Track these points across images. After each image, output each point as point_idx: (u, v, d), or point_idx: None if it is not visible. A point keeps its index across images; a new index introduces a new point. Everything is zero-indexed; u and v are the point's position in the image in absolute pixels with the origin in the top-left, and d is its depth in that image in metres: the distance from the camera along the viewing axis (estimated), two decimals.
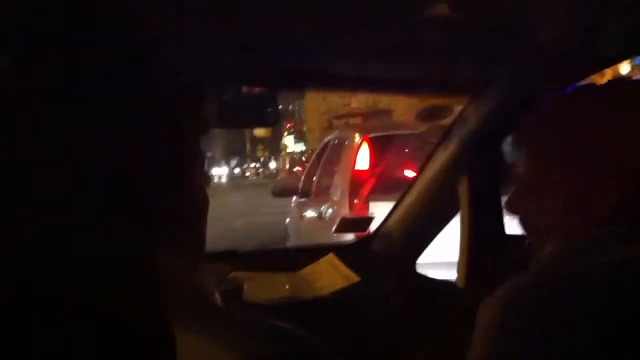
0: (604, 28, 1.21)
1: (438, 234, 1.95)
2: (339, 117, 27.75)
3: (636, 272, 0.80)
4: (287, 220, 6.76)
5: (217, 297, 0.76)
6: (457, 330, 1.11)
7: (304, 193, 5.91)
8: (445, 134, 1.78)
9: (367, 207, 4.16)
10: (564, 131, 0.91)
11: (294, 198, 6.35)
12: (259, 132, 27.66)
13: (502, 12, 1.19)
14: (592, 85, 1.00)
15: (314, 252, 1.96)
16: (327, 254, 1.93)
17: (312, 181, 5.78)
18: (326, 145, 5.87)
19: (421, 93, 2.22)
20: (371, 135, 4.67)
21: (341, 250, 1.96)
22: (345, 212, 4.34)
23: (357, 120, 21.63)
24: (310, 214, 5.41)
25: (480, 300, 0.83)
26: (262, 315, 0.65)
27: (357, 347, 1.55)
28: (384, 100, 25.91)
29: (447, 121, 1.99)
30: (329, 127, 26.75)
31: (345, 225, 2.95)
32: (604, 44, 1.22)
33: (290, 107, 33.69)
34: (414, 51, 1.38)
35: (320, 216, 4.94)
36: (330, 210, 4.75)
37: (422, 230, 1.97)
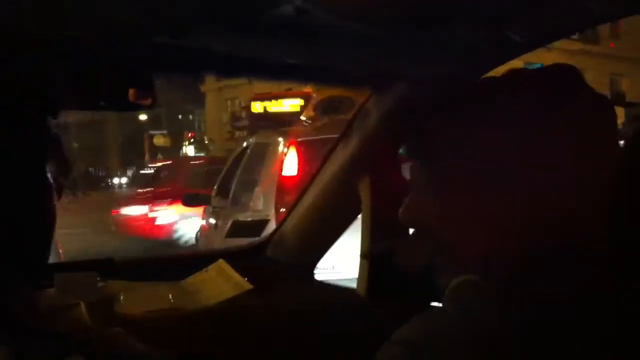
0: (515, 19, 1.17)
1: (338, 238, 1.82)
2: (240, 128, 27.56)
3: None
4: (197, 231, 6.31)
5: (82, 308, 0.71)
6: (356, 342, 0.99)
7: (219, 202, 5.50)
8: (345, 130, 1.67)
9: None
10: (475, 128, 0.73)
11: (206, 208, 5.92)
12: (158, 140, 27.05)
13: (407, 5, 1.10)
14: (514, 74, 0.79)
15: (204, 260, 1.79)
16: (217, 260, 1.77)
17: (229, 189, 5.39)
18: (244, 150, 5.50)
19: (319, 83, 2.07)
20: (299, 139, 4.36)
21: (233, 257, 1.79)
22: (272, 222, 4.00)
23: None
24: (227, 225, 5.00)
25: (381, 309, 0.70)
26: None
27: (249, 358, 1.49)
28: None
29: (348, 115, 1.92)
30: (231, 138, 26.54)
31: (238, 230, 2.79)
32: (513, 34, 1.20)
33: (191, 117, 33.14)
34: (307, 35, 1.22)
35: None
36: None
37: (321, 234, 1.84)
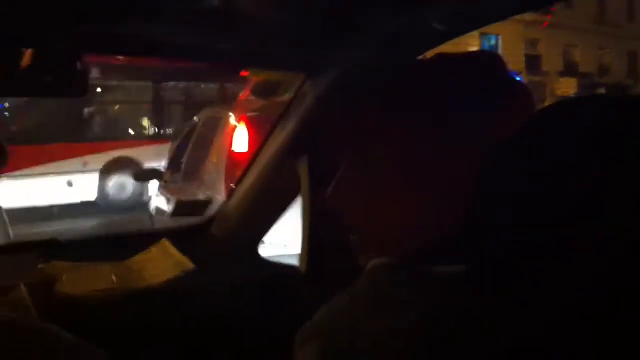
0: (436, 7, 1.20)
1: (280, 216, 1.87)
2: None
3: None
4: (151, 207, 6.24)
5: (22, 289, 0.71)
6: (290, 319, 1.01)
7: (172, 177, 5.44)
8: (283, 112, 1.71)
9: None
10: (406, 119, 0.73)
11: (160, 183, 5.85)
12: None
13: None
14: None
15: (150, 238, 1.83)
16: (162, 240, 1.82)
17: (181, 164, 5.33)
18: (195, 125, 5.43)
19: (253, 67, 2.16)
20: (249, 114, 4.32)
21: (177, 236, 1.87)
22: (222, 198, 3.98)
23: None
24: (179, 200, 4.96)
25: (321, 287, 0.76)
26: None
27: (195, 338, 1.52)
28: None
29: (285, 98, 1.91)
30: None
31: (182, 209, 2.80)
32: (442, 19, 1.24)
33: None
34: (238, 21, 1.26)
35: None
36: (203, 197, 4.36)
37: (263, 213, 1.87)
